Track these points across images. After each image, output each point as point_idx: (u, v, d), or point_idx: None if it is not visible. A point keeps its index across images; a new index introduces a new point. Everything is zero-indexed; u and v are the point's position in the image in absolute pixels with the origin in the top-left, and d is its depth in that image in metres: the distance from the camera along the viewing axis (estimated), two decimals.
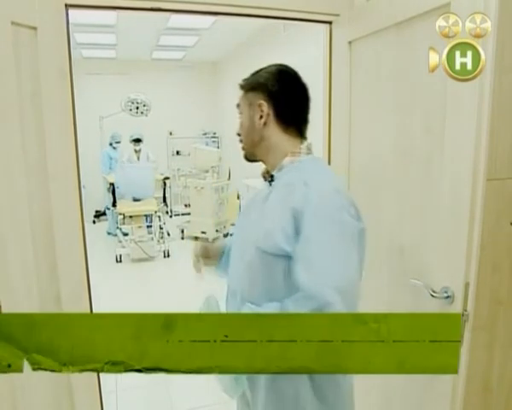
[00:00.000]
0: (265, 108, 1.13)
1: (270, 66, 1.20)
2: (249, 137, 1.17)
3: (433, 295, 1.29)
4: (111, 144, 6.53)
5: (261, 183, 1.22)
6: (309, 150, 1.16)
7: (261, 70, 1.20)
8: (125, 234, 5.41)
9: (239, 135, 1.21)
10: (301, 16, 1.70)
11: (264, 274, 1.06)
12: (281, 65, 1.19)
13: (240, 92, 1.20)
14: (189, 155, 6.73)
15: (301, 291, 0.94)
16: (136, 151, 6.12)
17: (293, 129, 1.16)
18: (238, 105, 1.21)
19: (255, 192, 1.28)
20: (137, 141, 6.09)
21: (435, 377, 1.35)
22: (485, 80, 1.12)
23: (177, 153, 7.90)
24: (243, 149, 1.21)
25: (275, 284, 1.05)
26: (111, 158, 6.49)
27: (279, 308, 0.97)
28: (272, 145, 1.15)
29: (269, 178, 1.17)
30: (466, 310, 1.23)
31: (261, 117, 1.13)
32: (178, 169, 7.56)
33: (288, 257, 1.01)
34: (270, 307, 1.00)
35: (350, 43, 1.71)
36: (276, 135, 1.15)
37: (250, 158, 1.21)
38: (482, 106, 1.14)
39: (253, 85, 1.17)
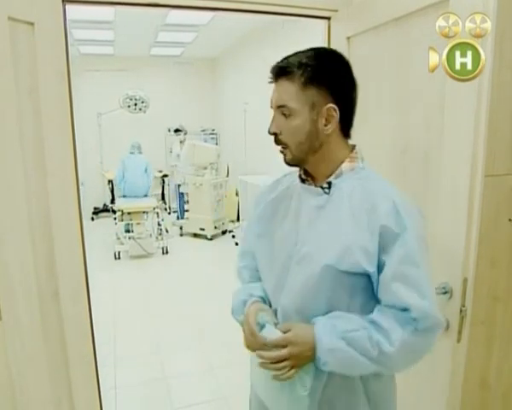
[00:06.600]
0: (336, 114, 0.93)
1: (320, 49, 0.97)
2: (305, 144, 0.95)
3: None
4: (132, 153, 6.00)
5: (266, 180, 1.11)
6: (361, 155, 1.01)
7: (315, 52, 0.94)
8: (127, 231, 5.38)
9: (276, 135, 0.95)
10: (300, 12, 1.70)
11: (329, 291, 0.94)
12: (336, 51, 0.97)
13: (283, 81, 0.92)
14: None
15: (412, 311, 0.88)
16: (180, 142, 6.48)
17: (348, 132, 1.00)
18: (282, 100, 0.93)
19: (270, 189, 1.12)
20: (179, 131, 6.51)
21: (433, 372, 1.36)
22: (484, 77, 1.12)
23: None
24: (289, 153, 0.97)
25: (338, 301, 0.94)
26: None
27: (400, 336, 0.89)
28: (330, 152, 0.97)
29: (326, 185, 0.98)
30: (464, 306, 1.23)
31: (327, 124, 0.94)
32: (177, 166, 7.55)
33: (358, 275, 0.91)
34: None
35: (348, 38, 1.70)
36: (336, 141, 0.97)
37: (295, 164, 1.00)
38: (481, 103, 1.14)
39: (318, 78, 0.91)
